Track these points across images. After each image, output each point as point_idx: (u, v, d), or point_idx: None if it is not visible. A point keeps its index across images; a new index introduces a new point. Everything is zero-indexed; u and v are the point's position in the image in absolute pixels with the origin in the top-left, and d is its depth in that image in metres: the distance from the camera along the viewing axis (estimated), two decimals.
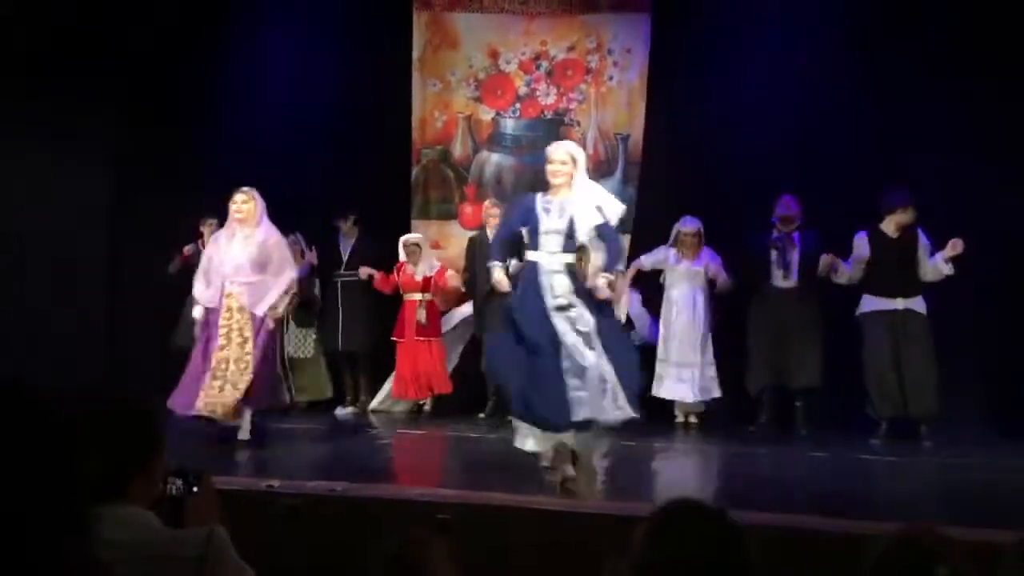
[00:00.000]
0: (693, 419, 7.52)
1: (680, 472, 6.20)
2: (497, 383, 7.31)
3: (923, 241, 6.83)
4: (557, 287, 5.00)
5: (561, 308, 4.97)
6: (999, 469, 5.84)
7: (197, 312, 6.37)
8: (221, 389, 6.10)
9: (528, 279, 5.10)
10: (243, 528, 2.42)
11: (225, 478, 5.10)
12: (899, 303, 6.81)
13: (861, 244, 6.91)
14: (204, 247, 7.42)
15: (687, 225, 7.46)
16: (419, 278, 7.97)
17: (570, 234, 5.03)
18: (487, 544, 4.52)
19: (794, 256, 7.13)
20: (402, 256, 8.05)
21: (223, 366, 6.14)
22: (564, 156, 5.11)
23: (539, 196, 5.17)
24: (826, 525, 4.48)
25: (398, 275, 8.04)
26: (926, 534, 1.93)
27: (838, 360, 7.04)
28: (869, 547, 1.91)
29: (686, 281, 7.46)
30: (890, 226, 6.85)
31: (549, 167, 5.11)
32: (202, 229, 8.01)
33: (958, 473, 5.91)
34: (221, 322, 6.20)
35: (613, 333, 5.17)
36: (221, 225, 7.27)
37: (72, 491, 1.49)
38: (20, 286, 7.87)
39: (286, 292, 6.46)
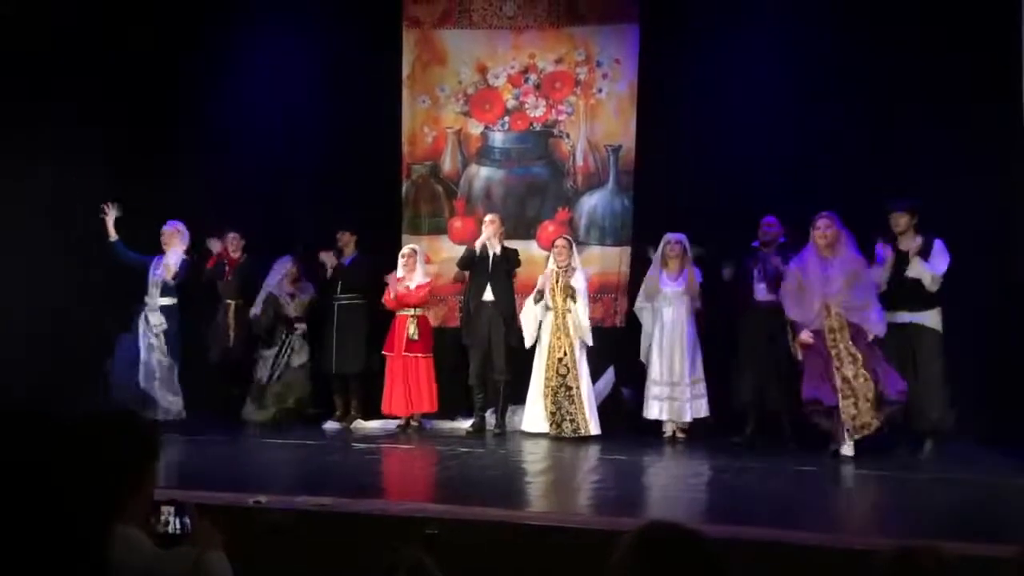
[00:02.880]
0: (680, 434, 7.43)
1: (667, 487, 6.10)
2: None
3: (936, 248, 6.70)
4: None
5: None
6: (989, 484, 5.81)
7: None
8: None
9: None
10: (230, 544, 2.39)
11: (212, 494, 5.07)
12: (906, 316, 6.72)
13: (886, 252, 6.76)
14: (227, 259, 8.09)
15: (670, 239, 7.44)
16: (411, 287, 7.87)
17: None
18: (474, 558, 4.49)
19: (774, 272, 7.08)
20: (399, 269, 7.93)
21: None
22: None
23: None
24: (821, 540, 4.47)
25: (394, 288, 7.89)
26: (925, 552, 1.92)
27: None
28: (867, 563, 1.90)
29: (672, 301, 7.43)
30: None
31: None
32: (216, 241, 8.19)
33: (955, 488, 5.84)
34: None
35: None
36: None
37: (88, 514, 1.48)
38: None
39: None
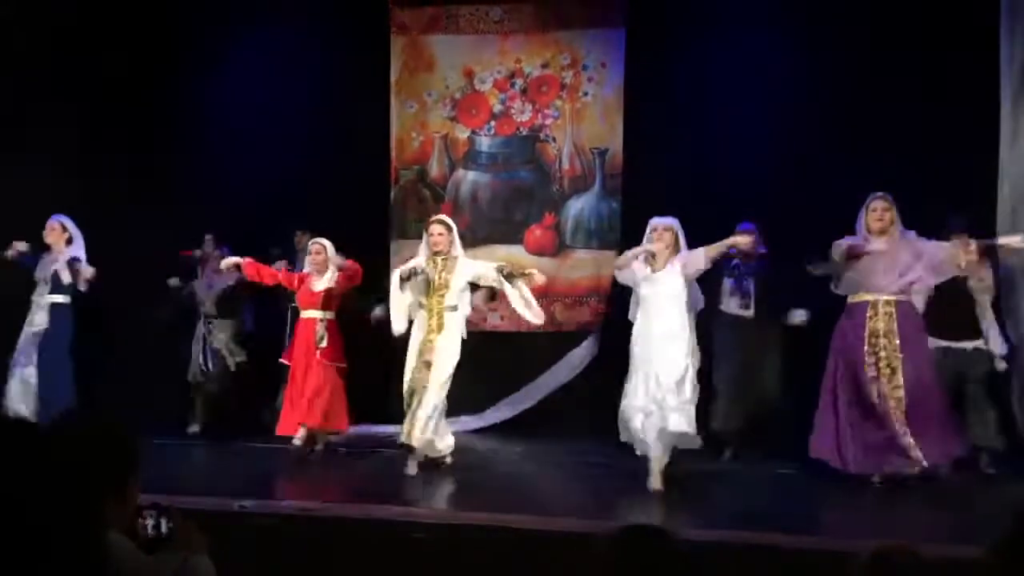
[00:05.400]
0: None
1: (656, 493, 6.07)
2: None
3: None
4: None
5: None
6: None
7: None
8: None
9: None
10: (215, 549, 2.38)
11: (196, 498, 5.05)
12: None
13: None
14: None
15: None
16: (319, 289, 6.98)
17: None
18: (461, 563, 4.49)
19: (751, 286, 6.85)
20: (307, 265, 7.12)
21: None
22: None
23: None
24: (801, 543, 4.47)
25: (298, 287, 7.08)
26: (899, 552, 1.93)
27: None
28: (846, 566, 1.91)
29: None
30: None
31: None
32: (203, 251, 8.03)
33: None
34: None
35: None
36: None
37: (88, 521, 1.48)
38: None
39: None
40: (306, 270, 7.10)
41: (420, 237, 8.49)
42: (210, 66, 8.60)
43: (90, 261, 7.33)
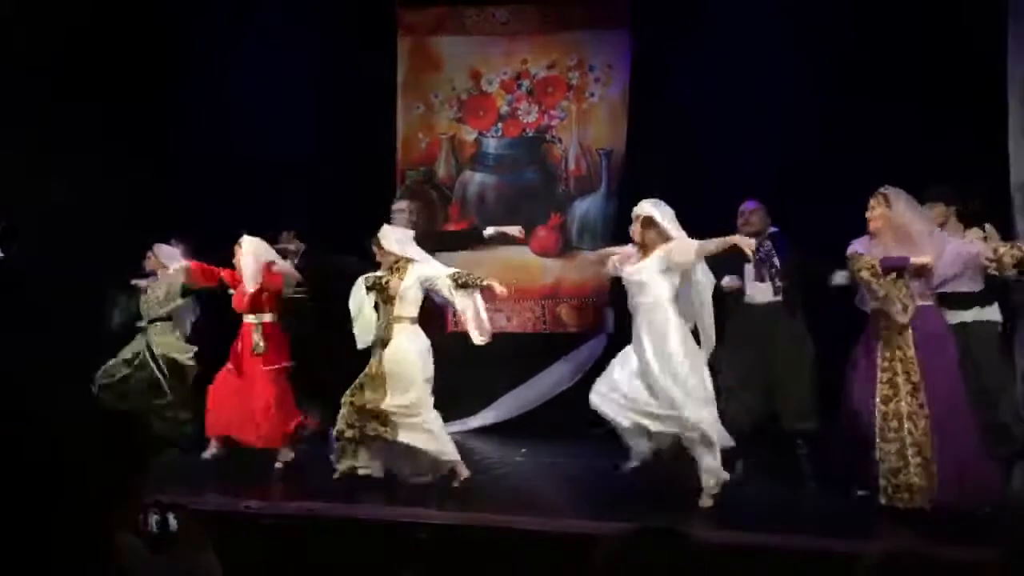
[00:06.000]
0: None
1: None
2: None
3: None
4: None
5: None
6: None
7: None
8: None
9: None
10: (221, 549, 2.39)
11: (201, 498, 5.08)
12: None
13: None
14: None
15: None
16: (251, 290, 6.64)
17: None
18: (465, 564, 4.50)
19: (773, 265, 6.27)
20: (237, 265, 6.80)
21: None
22: None
23: None
24: (806, 544, 4.47)
25: (233, 288, 6.82)
26: (911, 554, 1.93)
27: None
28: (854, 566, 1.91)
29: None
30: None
31: None
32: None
33: None
34: None
35: None
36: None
37: (94, 518, 1.49)
38: None
39: None
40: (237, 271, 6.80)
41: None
42: (215, 66, 8.62)
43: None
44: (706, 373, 5.44)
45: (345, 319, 6.19)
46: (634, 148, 8.31)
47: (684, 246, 5.49)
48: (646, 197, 7.78)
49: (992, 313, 5.86)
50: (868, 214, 5.43)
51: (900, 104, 7.37)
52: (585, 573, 1.93)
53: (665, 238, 5.56)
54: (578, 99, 8.53)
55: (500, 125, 8.67)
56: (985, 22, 6.88)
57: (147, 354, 7.12)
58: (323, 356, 7.10)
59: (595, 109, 8.50)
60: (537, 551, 4.55)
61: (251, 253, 6.68)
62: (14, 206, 7.36)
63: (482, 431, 8.08)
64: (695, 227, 7.54)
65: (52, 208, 7.51)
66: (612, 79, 8.45)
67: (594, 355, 7.99)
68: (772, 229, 6.43)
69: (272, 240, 7.95)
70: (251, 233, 6.93)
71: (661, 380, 5.33)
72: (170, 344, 7.20)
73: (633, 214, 5.69)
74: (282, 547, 4.71)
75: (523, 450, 7.39)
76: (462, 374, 7.78)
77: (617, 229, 8.27)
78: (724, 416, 5.56)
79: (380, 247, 6.01)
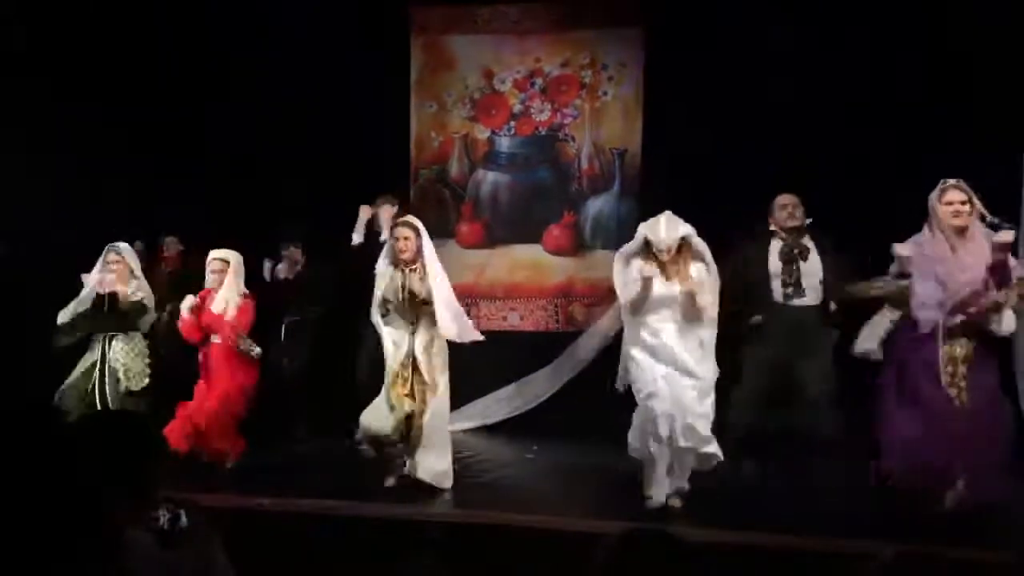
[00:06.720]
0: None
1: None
2: None
3: None
4: None
5: None
6: None
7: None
8: None
9: None
10: (234, 546, 2.39)
11: (215, 496, 5.09)
12: None
13: None
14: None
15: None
16: (218, 310, 6.28)
17: None
18: (476, 562, 4.50)
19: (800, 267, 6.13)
20: (208, 281, 6.38)
21: None
22: None
23: None
24: (818, 545, 4.44)
25: (201, 310, 6.32)
26: (920, 554, 1.92)
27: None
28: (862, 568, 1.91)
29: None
30: None
31: None
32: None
33: None
34: None
35: None
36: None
37: (98, 515, 1.49)
38: None
39: None
40: (207, 286, 6.40)
41: (438, 236, 8.60)
42: (225, 68, 8.63)
43: None
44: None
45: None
46: (648, 147, 8.29)
47: (710, 284, 5.49)
48: (659, 196, 7.82)
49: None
50: (953, 208, 5.07)
51: (918, 101, 7.33)
52: (584, 573, 1.93)
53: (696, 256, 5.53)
54: (591, 97, 8.51)
55: (513, 124, 8.66)
56: (1001, 19, 6.84)
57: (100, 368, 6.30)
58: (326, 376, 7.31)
59: (608, 107, 8.48)
60: (543, 550, 4.54)
61: (235, 272, 6.38)
62: (14, 206, 7.43)
63: (491, 428, 8.06)
64: (709, 227, 7.55)
65: (52, 208, 7.56)
66: (625, 77, 8.43)
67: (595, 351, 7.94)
68: (808, 221, 6.28)
69: (274, 248, 8.01)
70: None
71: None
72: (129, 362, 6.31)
73: (670, 237, 5.54)
74: (290, 544, 4.71)
75: (534, 447, 7.37)
76: (475, 374, 7.81)
77: (630, 228, 8.27)
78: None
79: (417, 233, 5.76)
